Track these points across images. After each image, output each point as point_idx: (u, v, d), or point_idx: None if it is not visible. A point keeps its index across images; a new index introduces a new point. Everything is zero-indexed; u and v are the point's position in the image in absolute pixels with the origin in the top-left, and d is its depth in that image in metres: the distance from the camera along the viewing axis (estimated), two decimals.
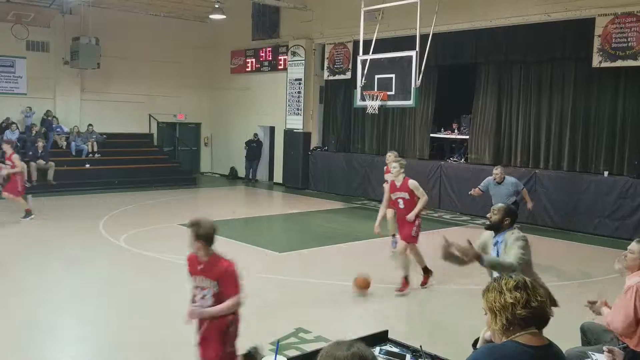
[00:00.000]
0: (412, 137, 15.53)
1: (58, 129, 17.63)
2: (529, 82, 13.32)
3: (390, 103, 11.86)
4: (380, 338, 3.46)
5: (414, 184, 7.51)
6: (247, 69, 19.80)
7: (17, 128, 16.56)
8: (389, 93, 11.62)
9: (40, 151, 15.79)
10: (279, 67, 18.50)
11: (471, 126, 14.32)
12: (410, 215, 7.37)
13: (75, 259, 8.86)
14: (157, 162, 18.93)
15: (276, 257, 9.53)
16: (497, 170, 9.64)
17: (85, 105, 18.65)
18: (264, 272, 8.24)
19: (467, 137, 14.49)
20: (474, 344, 3.95)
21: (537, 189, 12.51)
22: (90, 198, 15.09)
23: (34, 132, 16.67)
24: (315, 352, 3.44)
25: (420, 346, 3.18)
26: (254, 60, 19.56)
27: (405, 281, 7.39)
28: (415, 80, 11.00)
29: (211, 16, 16.69)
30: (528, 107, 13.35)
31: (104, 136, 18.02)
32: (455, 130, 15.05)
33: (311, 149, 17.76)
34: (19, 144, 15.98)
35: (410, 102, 11.39)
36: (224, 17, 16.46)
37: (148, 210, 13.70)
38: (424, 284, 7.67)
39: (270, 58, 18.93)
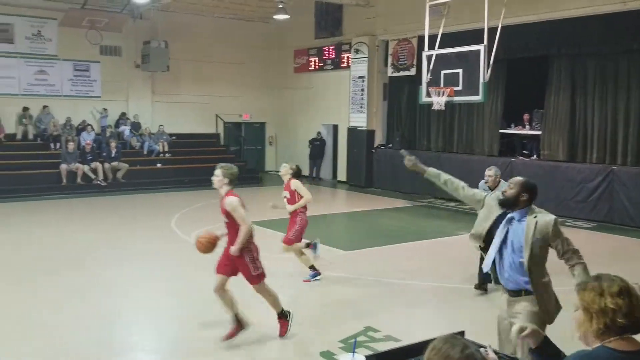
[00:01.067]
0: (480, 133, 15.14)
1: (132, 131, 18.36)
2: (605, 75, 12.69)
3: (457, 99, 11.60)
4: None
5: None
6: (310, 68, 19.91)
7: (93, 129, 17.34)
8: (455, 88, 11.36)
9: (113, 151, 16.50)
10: (342, 65, 18.50)
11: (544, 121, 13.80)
12: (234, 249, 5.75)
13: (150, 255, 9.18)
14: (224, 161, 19.25)
15: (343, 255, 9.52)
16: (489, 172, 7.31)
17: (156, 106, 19.32)
18: (331, 270, 8.25)
19: (539, 132, 13.97)
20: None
21: (614, 186, 11.93)
22: (161, 196, 15.60)
23: (108, 133, 17.40)
24: (389, 352, 3.40)
25: (489, 345, 3.06)
26: (317, 58, 19.64)
27: (237, 323, 5.54)
28: (483, 75, 10.72)
29: (275, 16, 16.89)
30: (604, 101, 12.74)
31: (174, 137, 18.60)
32: (527, 125, 14.51)
33: (375, 146, 17.64)
34: (94, 145, 16.76)
35: (478, 97, 11.11)
36: (288, 17, 16.61)
37: (216, 208, 13.95)
38: (281, 334, 5.72)
39: (334, 56, 18.95)
